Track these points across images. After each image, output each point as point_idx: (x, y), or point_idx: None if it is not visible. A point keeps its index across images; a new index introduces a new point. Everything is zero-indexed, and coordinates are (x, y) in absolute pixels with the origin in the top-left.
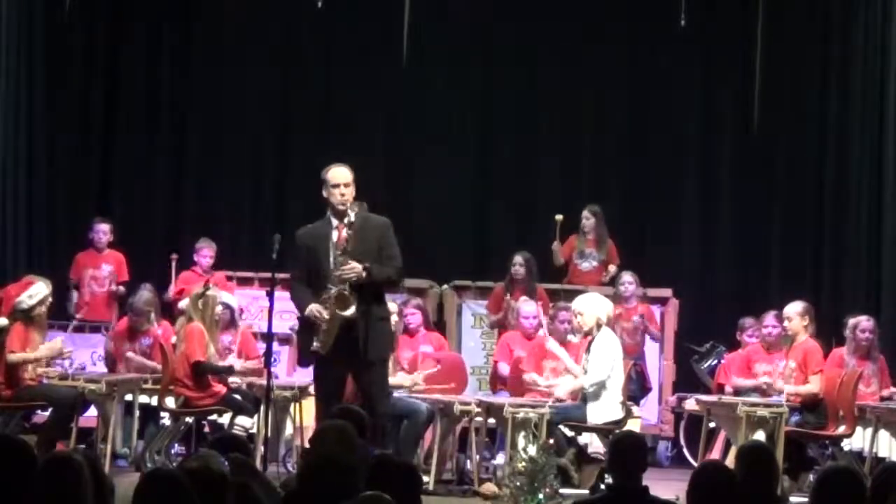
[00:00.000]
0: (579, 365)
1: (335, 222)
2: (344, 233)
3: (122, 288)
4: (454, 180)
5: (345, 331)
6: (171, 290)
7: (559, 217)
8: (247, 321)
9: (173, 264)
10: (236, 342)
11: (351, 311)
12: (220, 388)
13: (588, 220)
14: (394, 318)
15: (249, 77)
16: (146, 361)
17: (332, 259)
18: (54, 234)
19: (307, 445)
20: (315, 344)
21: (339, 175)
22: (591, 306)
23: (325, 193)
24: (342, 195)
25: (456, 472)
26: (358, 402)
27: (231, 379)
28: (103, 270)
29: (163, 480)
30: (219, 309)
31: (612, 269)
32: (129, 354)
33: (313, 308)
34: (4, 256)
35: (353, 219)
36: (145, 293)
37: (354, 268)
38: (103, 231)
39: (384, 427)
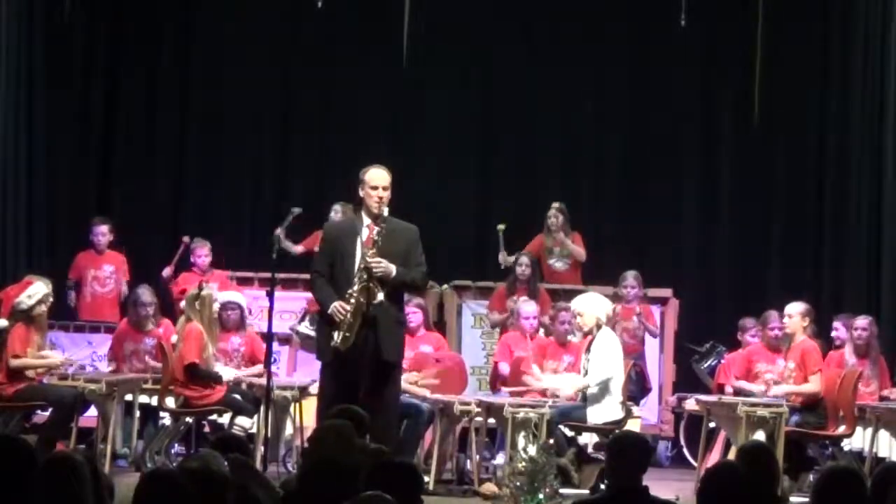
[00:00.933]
0: (576, 371)
1: (367, 221)
2: (374, 233)
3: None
4: (454, 180)
5: (363, 330)
6: (167, 271)
7: (501, 227)
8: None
9: (180, 247)
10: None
11: (378, 298)
12: (220, 388)
13: (557, 217)
14: None
15: (249, 77)
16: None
17: (357, 256)
18: (54, 234)
19: (307, 445)
20: (335, 339)
21: (379, 177)
22: (591, 306)
23: (361, 193)
24: (379, 198)
25: (456, 472)
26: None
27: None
28: (104, 271)
29: (163, 480)
30: (216, 307)
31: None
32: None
33: (336, 305)
34: (4, 256)
35: (385, 214)
36: (146, 292)
37: (383, 262)
38: (102, 232)
39: (393, 433)
